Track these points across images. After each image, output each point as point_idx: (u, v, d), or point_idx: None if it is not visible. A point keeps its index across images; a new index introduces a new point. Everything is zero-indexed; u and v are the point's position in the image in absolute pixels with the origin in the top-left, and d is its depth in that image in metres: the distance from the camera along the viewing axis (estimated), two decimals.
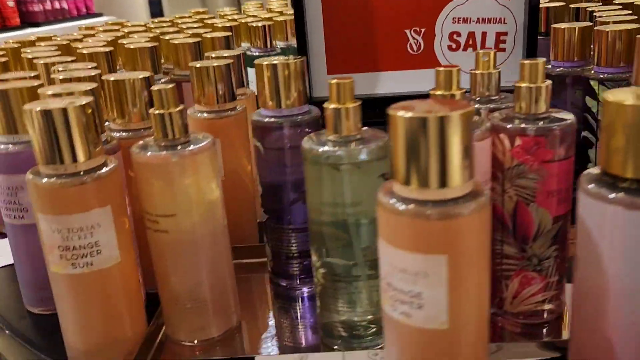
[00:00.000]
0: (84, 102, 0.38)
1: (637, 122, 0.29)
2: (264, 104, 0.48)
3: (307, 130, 0.48)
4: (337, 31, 0.80)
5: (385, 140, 0.39)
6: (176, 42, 0.71)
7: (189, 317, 0.43)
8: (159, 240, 0.42)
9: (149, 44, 0.70)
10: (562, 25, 0.65)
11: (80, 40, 0.82)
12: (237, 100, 0.56)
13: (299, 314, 0.49)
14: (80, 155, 0.38)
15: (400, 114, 0.29)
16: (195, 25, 0.97)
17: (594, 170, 0.32)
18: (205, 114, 0.54)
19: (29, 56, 0.66)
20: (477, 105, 0.46)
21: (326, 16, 0.77)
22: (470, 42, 0.81)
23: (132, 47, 0.69)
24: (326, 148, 0.39)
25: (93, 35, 0.90)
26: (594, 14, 0.74)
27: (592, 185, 0.31)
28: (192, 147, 0.41)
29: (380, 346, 0.42)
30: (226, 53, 0.66)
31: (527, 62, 0.41)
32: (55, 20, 2.75)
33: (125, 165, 0.47)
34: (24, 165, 0.46)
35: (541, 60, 0.41)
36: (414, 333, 0.31)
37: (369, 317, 0.42)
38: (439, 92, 0.42)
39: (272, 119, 0.48)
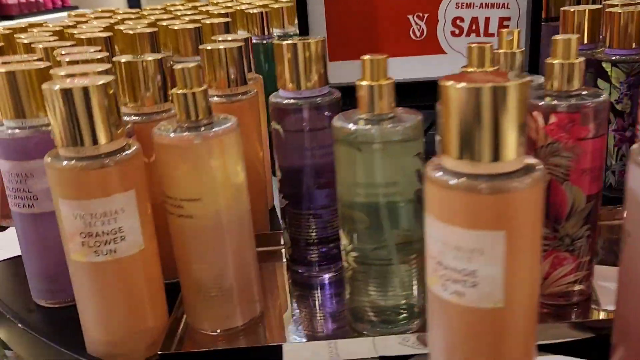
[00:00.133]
0: (105, 81, 0.36)
1: None
2: (284, 85, 0.47)
3: (327, 112, 0.47)
4: (339, 17, 0.79)
5: (419, 119, 0.38)
6: (176, 27, 0.69)
7: (213, 305, 0.42)
8: (182, 226, 0.40)
9: (148, 30, 0.67)
10: (572, 8, 0.65)
11: (74, 27, 0.79)
12: (249, 85, 0.55)
13: (321, 301, 0.48)
14: (102, 137, 0.36)
15: (455, 84, 0.28)
16: (189, 12, 0.94)
17: None
18: (216, 98, 0.53)
19: (25, 41, 0.64)
20: None
21: (328, 2, 0.76)
22: (474, 28, 0.80)
23: (130, 32, 0.67)
24: (358, 126, 0.38)
25: (85, 22, 0.87)
26: None
27: None
28: (217, 128, 0.39)
29: (412, 331, 0.41)
30: (230, 37, 0.64)
31: (560, 37, 0.40)
32: (30, 13, 2.68)
33: None
34: (34, 151, 0.44)
35: (574, 37, 0.40)
36: (466, 313, 0.30)
37: (400, 301, 0.41)
38: (470, 70, 0.41)
39: (293, 101, 0.46)
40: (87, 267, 0.38)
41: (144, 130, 0.44)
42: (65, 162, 0.36)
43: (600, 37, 0.64)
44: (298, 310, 0.47)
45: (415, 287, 0.41)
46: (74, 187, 0.36)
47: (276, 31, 0.95)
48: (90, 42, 0.63)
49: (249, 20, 0.90)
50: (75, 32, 0.70)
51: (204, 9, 0.98)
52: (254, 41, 0.91)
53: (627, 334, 0.34)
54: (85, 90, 0.36)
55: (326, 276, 0.50)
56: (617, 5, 0.63)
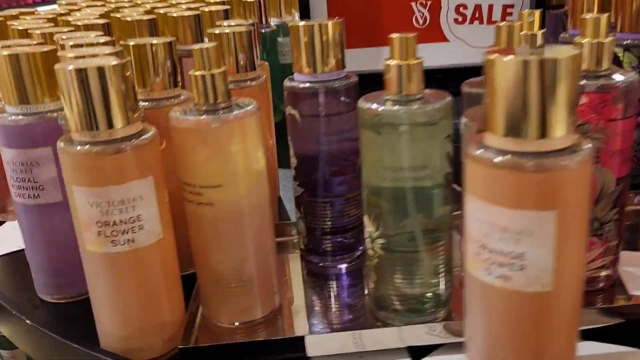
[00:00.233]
0: (121, 62, 0.34)
1: None
2: (300, 69, 0.45)
3: (345, 96, 0.45)
4: (341, 5, 0.77)
5: (448, 100, 0.37)
6: (174, 15, 0.66)
7: (233, 297, 0.40)
8: (202, 214, 0.38)
9: (147, 17, 0.65)
10: None
11: (67, 15, 0.77)
12: (258, 70, 0.53)
13: (339, 292, 0.47)
14: (118, 121, 0.35)
15: (502, 57, 0.27)
16: (185, 0, 0.92)
17: None
18: None
19: (20, 28, 0.61)
20: None
21: None
22: (477, 15, 0.79)
23: (128, 19, 0.64)
24: (386, 108, 0.36)
25: (78, 10, 0.84)
26: None
27: None
28: (238, 111, 0.37)
29: (439, 320, 0.40)
30: (234, 22, 0.62)
31: (589, 16, 0.39)
32: (8, 7, 2.62)
33: None
34: (40, 138, 0.42)
35: (604, 15, 0.39)
36: (511, 298, 0.29)
37: (427, 289, 0.39)
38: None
39: (309, 85, 0.45)
40: (103, 258, 0.36)
41: (153, 117, 0.43)
42: (79, 147, 0.34)
43: (611, 21, 0.63)
44: (316, 301, 0.45)
45: (442, 275, 0.39)
46: (89, 174, 0.34)
47: (273, 20, 0.93)
48: (88, 28, 0.61)
49: (246, 9, 0.88)
50: (70, 19, 0.67)
51: None
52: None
53: None
54: (101, 70, 0.34)
55: (342, 266, 0.49)
56: None
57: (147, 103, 0.45)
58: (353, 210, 0.48)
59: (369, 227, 0.39)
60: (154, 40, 0.45)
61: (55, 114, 0.43)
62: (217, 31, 0.51)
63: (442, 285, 0.40)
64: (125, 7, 0.85)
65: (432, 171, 0.37)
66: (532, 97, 0.27)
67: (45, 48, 0.43)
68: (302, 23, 0.44)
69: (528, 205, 0.27)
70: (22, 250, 0.54)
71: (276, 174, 0.62)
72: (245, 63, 0.52)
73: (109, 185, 0.34)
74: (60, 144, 0.35)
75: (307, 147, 0.46)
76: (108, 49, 0.41)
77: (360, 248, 0.50)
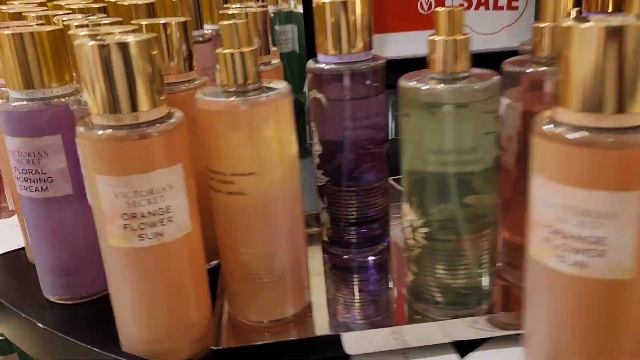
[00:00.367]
0: (147, 38, 0.31)
1: None
2: (325, 50, 0.42)
3: (373, 79, 0.43)
4: None
5: (497, 79, 0.34)
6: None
7: (263, 293, 0.37)
8: (232, 204, 0.35)
9: (144, 1, 0.62)
10: None
11: None
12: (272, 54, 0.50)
13: (368, 285, 0.44)
14: (144, 103, 0.32)
15: (579, 24, 0.25)
16: None
17: None
18: None
19: (11, 11, 0.57)
20: None
21: None
22: (483, 1, 0.77)
23: (125, 4, 0.61)
24: (431, 86, 0.34)
25: None
26: None
27: None
28: (270, 92, 0.34)
29: (482, 313, 0.38)
30: (239, 5, 0.59)
31: None
32: None
33: None
34: (48, 126, 0.39)
35: None
36: (586, 286, 0.27)
37: (471, 280, 0.37)
38: (543, 25, 0.37)
39: (335, 66, 0.42)
40: (129, 254, 0.33)
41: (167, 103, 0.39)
42: (101, 132, 0.31)
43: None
44: (345, 296, 0.43)
45: (486, 265, 0.37)
46: (114, 161, 0.31)
47: (271, 8, 0.90)
48: (83, 12, 0.57)
49: None
50: (62, 3, 0.63)
51: None
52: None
53: None
54: (125, 47, 0.31)
55: (370, 258, 0.47)
56: None
57: None
58: (379, 199, 0.46)
59: (410, 216, 0.37)
60: (168, 20, 0.42)
61: (63, 99, 0.39)
62: (229, 13, 0.48)
63: (485, 276, 0.38)
64: None
65: (482, 154, 0.34)
66: (612, 68, 0.25)
67: (52, 27, 0.39)
68: (328, 0, 0.41)
69: (609, 186, 0.25)
70: (22, 249, 0.51)
71: None
72: (260, 46, 0.49)
73: (136, 173, 0.31)
74: (80, 129, 0.32)
75: (333, 134, 0.44)
76: (124, 27, 0.38)
77: (387, 240, 0.47)
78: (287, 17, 0.89)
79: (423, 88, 0.34)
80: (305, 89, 0.54)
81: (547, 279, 0.28)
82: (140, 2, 0.61)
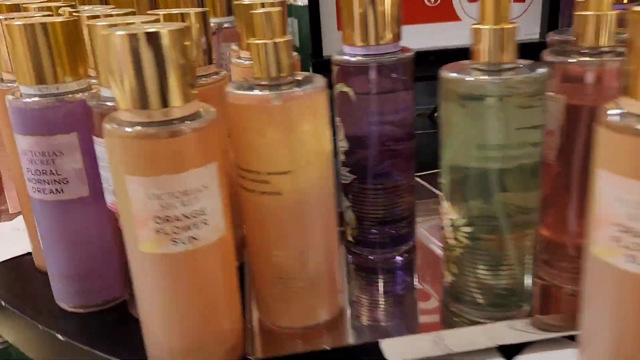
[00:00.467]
0: (180, 27, 0.29)
1: None
2: (353, 41, 0.40)
3: (402, 72, 0.41)
4: None
5: (545, 71, 0.33)
6: None
7: (296, 298, 0.36)
8: (266, 205, 0.33)
9: None
10: None
11: None
12: None
13: (398, 287, 0.43)
14: (176, 98, 0.29)
15: None
16: None
17: None
18: None
19: (8, 2, 0.54)
20: None
21: None
22: None
23: None
24: (478, 78, 0.32)
25: None
26: None
27: None
28: (307, 86, 0.32)
29: (523, 315, 0.36)
30: None
31: None
32: None
33: None
34: (64, 123, 0.36)
35: None
36: None
37: (513, 280, 0.36)
38: (587, 13, 0.36)
39: (363, 58, 0.40)
40: (161, 260, 0.30)
41: None
42: (130, 129, 0.29)
43: None
44: (375, 299, 0.41)
45: (528, 265, 0.36)
46: (147, 160, 0.29)
47: None
48: (85, 2, 0.55)
49: None
50: None
51: None
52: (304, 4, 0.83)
53: None
54: (156, 37, 0.28)
55: (397, 259, 0.45)
56: None
57: None
58: (406, 197, 0.44)
59: (451, 215, 0.35)
60: (186, 11, 0.40)
61: (78, 95, 0.37)
62: (247, 2, 0.45)
63: (527, 276, 0.36)
64: None
65: (529, 149, 0.33)
66: None
67: (65, 18, 0.37)
68: None
69: None
70: (28, 254, 0.48)
71: None
72: None
73: (170, 173, 0.29)
74: (109, 126, 0.30)
75: (360, 129, 0.42)
76: (145, 17, 0.35)
77: (412, 239, 0.46)
78: (291, 8, 0.87)
79: (466, 79, 0.32)
80: None
81: (613, 279, 0.27)
82: None
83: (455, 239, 0.35)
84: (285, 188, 0.33)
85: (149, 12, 0.40)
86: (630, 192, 0.25)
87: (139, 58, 0.28)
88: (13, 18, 0.39)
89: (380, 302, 0.41)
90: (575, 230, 0.38)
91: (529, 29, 0.78)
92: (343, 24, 0.41)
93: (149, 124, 0.29)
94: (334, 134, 0.42)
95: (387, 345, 0.35)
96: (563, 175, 0.37)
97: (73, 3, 0.51)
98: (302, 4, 0.83)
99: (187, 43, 0.29)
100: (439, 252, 0.46)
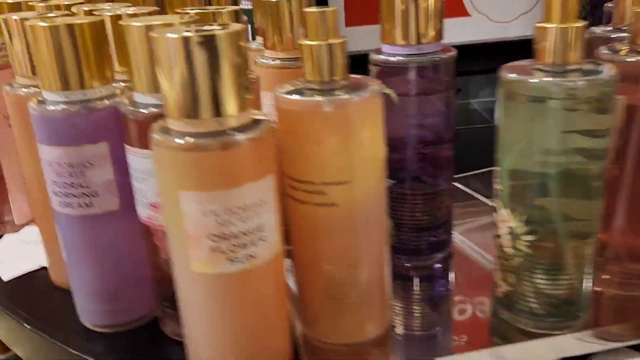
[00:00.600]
0: (236, 30, 0.27)
1: None
2: (393, 40, 0.38)
3: (445, 72, 0.39)
4: None
5: (613, 73, 0.31)
6: None
7: (347, 314, 0.34)
8: (320, 216, 0.31)
9: None
10: None
11: None
12: None
13: (441, 296, 0.41)
14: (231, 106, 0.27)
15: None
16: None
17: None
18: (279, 61, 0.43)
19: (10, 0, 0.51)
20: None
21: None
22: None
23: None
24: (543, 79, 0.30)
25: None
26: None
27: None
28: (364, 91, 0.30)
29: (581, 324, 0.35)
30: None
31: None
32: None
33: None
34: (94, 132, 0.34)
35: None
36: None
37: (573, 290, 0.34)
38: None
39: (404, 58, 0.38)
40: (216, 280, 0.28)
41: None
42: (183, 140, 0.27)
43: None
44: (420, 310, 0.39)
45: (589, 274, 0.34)
46: (204, 174, 0.26)
47: None
48: (91, 1, 0.52)
49: None
50: None
51: None
52: (249, 7, 0.81)
53: None
54: (211, 40, 0.26)
55: (437, 266, 0.43)
56: None
57: None
58: (446, 203, 0.42)
59: (509, 223, 0.33)
60: (219, 9, 0.37)
61: (107, 101, 0.34)
62: None
63: (586, 285, 0.35)
64: None
65: (598, 154, 0.31)
66: None
67: (92, 19, 0.34)
68: None
69: None
70: (42, 269, 0.45)
71: None
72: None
73: (227, 188, 0.27)
74: (158, 137, 0.27)
75: (398, 132, 0.40)
76: (177, 18, 0.33)
77: (449, 246, 0.44)
78: None
79: (531, 81, 0.31)
80: None
81: None
82: None
83: (514, 247, 0.34)
84: (341, 199, 0.31)
85: (178, 10, 0.37)
86: None
87: (194, 62, 0.26)
88: (27, 19, 0.36)
89: (423, 313, 0.39)
90: (633, 234, 0.36)
91: None
92: (382, 20, 0.39)
93: (204, 135, 0.27)
94: None
95: None
96: (621, 179, 0.36)
97: (82, 1, 0.48)
98: None
99: (242, 45, 0.27)
100: (476, 257, 0.44)
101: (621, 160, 0.35)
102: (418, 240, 0.43)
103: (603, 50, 0.36)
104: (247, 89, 0.28)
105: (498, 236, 0.35)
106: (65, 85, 0.33)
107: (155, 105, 0.32)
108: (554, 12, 0.30)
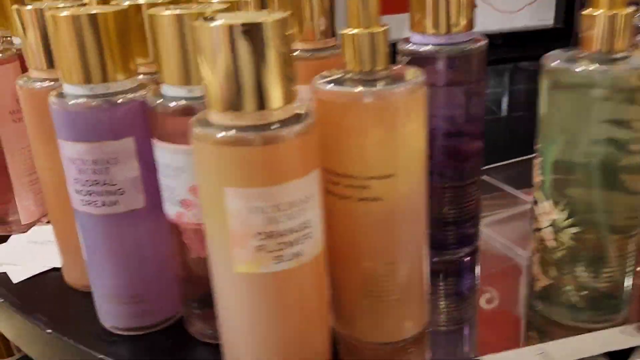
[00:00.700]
0: (282, 17, 0.25)
1: None
2: (423, 28, 0.37)
3: (476, 62, 0.38)
4: None
5: None
6: None
7: (387, 312, 0.33)
8: (362, 212, 0.30)
9: None
10: None
11: None
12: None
13: (470, 291, 0.40)
14: (277, 97, 0.26)
15: None
16: None
17: None
18: (302, 53, 0.42)
19: None
20: None
21: None
22: None
23: None
24: (589, 68, 0.30)
25: None
26: None
27: None
28: (409, 81, 0.29)
29: (622, 318, 0.34)
30: None
31: None
32: None
33: None
34: (120, 126, 0.32)
35: None
36: None
37: (615, 283, 0.34)
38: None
39: (434, 47, 0.37)
40: (260, 280, 0.27)
41: None
42: (226, 134, 0.25)
43: None
44: (457, 307, 0.38)
45: (630, 268, 0.34)
46: (251, 169, 0.25)
47: None
48: None
49: None
50: None
51: None
52: None
53: None
54: (257, 29, 0.25)
55: (465, 260, 0.42)
56: None
57: None
58: (475, 195, 0.41)
59: (553, 215, 0.33)
60: None
61: (131, 94, 0.33)
62: None
63: (629, 279, 0.34)
64: None
65: None
66: None
67: (116, 7, 0.32)
68: None
69: None
70: (52, 270, 0.44)
71: None
72: (326, 28, 0.43)
73: (275, 184, 0.25)
74: (197, 130, 0.26)
75: (432, 123, 0.39)
76: (214, 5, 0.31)
77: (477, 240, 0.43)
78: None
79: (576, 70, 0.30)
80: None
81: None
82: None
83: (556, 240, 0.33)
84: (386, 193, 0.30)
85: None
86: None
87: (239, 52, 0.24)
88: (55, 8, 0.35)
89: (456, 309, 0.38)
90: None
91: (544, 14, 0.76)
92: (412, 8, 0.38)
93: (250, 128, 0.25)
94: None
95: None
96: None
97: None
98: None
99: (288, 34, 0.26)
100: (504, 252, 0.43)
101: None
102: (445, 234, 0.42)
103: None
104: (292, 80, 0.26)
105: (538, 229, 0.34)
106: (89, 78, 0.32)
107: (186, 98, 0.30)
108: None
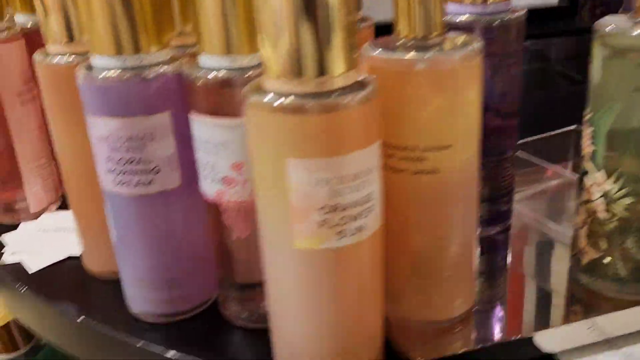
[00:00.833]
0: None
1: None
2: None
3: (515, 33, 0.37)
4: None
5: None
6: None
7: (438, 289, 0.31)
8: (416, 184, 0.29)
9: None
10: None
11: None
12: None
13: (508, 267, 0.39)
14: (340, 64, 0.24)
15: None
16: None
17: None
18: None
19: None
20: None
21: None
22: None
23: None
24: None
25: None
26: None
27: None
28: (468, 48, 0.28)
29: None
30: None
31: None
32: None
33: None
34: (156, 101, 0.30)
35: None
36: None
37: None
38: None
39: (475, 17, 0.36)
40: (320, 256, 0.25)
41: None
42: (287, 100, 0.24)
43: None
44: (493, 283, 0.38)
45: None
46: (317, 139, 0.24)
47: None
48: None
49: None
50: None
51: None
52: None
53: None
54: None
55: (500, 237, 0.41)
56: None
57: None
58: (510, 171, 0.41)
59: (606, 186, 0.32)
60: None
61: (167, 67, 0.31)
62: None
63: None
64: None
65: None
66: None
67: None
68: None
69: None
70: (68, 258, 0.42)
71: None
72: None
73: (340, 155, 0.24)
74: (253, 98, 0.24)
75: None
76: None
77: (511, 216, 0.42)
78: None
79: (634, 34, 0.29)
80: None
81: None
82: None
83: (609, 211, 0.32)
84: (443, 165, 0.28)
85: None
86: None
87: (302, 16, 0.23)
88: None
89: (496, 286, 0.37)
90: None
91: None
92: None
93: (315, 96, 0.24)
94: None
95: (542, 338, 0.31)
96: None
97: None
98: None
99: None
100: (537, 227, 0.43)
101: None
102: (482, 211, 0.41)
103: None
104: (355, 47, 0.25)
105: (587, 201, 0.33)
106: (119, 49, 0.30)
107: (228, 69, 0.29)
108: None
